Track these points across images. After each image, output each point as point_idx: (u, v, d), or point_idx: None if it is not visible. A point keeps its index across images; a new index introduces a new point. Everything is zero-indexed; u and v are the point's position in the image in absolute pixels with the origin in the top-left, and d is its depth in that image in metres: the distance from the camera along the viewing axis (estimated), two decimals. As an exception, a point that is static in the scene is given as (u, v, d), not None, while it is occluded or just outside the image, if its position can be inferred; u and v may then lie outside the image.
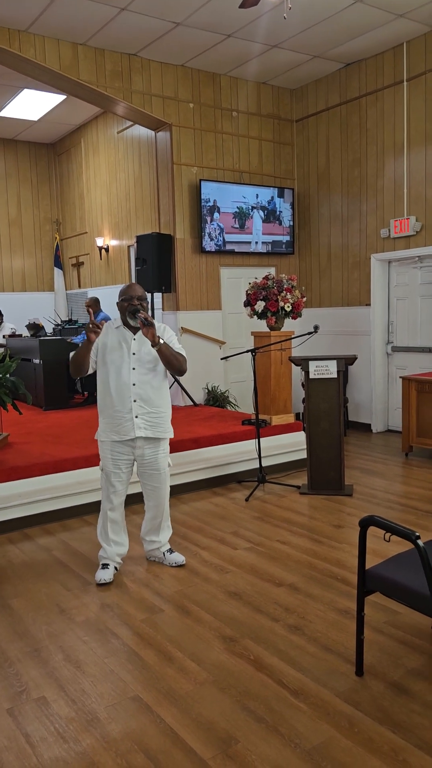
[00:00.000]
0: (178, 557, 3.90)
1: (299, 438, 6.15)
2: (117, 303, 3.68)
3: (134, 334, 3.66)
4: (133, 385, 3.62)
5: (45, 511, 4.76)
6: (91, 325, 3.49)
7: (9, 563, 4.02)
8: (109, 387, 3.64)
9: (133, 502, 4.24)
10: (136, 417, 3.64)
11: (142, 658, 2.86)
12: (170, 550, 3.94)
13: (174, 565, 3.87)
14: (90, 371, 3.70)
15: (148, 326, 3.48)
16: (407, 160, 6.99)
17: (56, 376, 7.68)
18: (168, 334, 3.74)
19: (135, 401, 3.63)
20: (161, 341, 3.55)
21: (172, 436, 3.85)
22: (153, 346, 3.54)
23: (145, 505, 3.88)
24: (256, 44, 6.85)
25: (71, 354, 3.73)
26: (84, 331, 3.59)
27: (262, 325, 6.56)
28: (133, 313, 3.57)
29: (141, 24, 6.31)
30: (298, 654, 2.84)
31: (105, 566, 3.75)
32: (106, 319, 7.02)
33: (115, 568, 3.78)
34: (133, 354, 3.64)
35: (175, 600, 3.42)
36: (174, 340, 3.75)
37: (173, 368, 3.69)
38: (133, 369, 3.63)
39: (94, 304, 8.12)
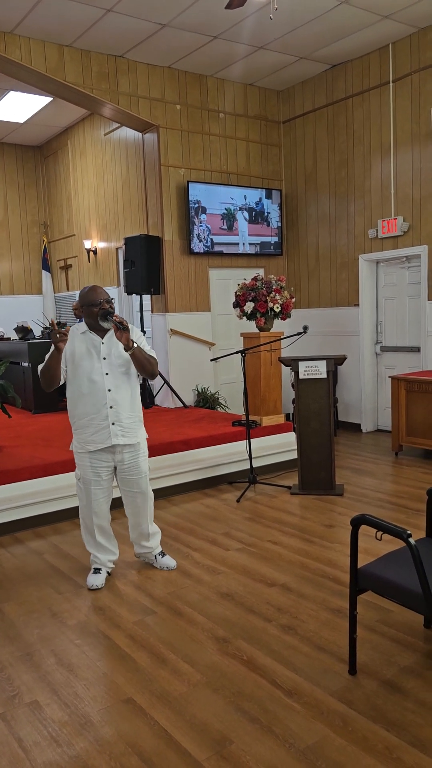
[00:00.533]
0: (169, 561, 3.88)
1: (290, 438, 6.16)
2: (81, 308, 3.53)
3: (102, 338, 3.54)
4: (109, 390, 3.52)
5: (36, 514, 4.73)
6: (58, 334, 3.36)
7: (0, 567, 4.00)
8: (83, 395, 3.52)
9: (120, 504, 4.19)
10: (113, 424, 3.53)
11: (134, 660, 2.85)
12: (162, 553, 3.92)
13: (165, 568, 3.85)
14: (61, 382, 3.56)
15: (122, 330, 3.37)
16: (394, 161, 7.03)
17: (45, 379, 7.63)
18: (137, 335, 3.62)
19: (111, 407, 3.52)
20: (134, 345, 3.46)
21: (147, 437, 3.78)
22: (126, 350, 3.44)
23: (126, 511, 3.78)
24: (242, 45, 6.86)
25: (39, 367, 3.54)
26: (51, 340, 3.41)
27: (251, 326, 6.57)
28: (105, 316, 3.45)
29: (127, 25, 6.30)
30: (291, 654, 2.84)
31: (97, 570, 3.71)
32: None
33: (108, 572, 3.75)
34: (104, 359, 3.52)
35: (168, 602, 3.41)
36: (143, 341, 3.64)
37: (146, 372, 3.58)
38: (106, 374, 3.52)
39: (81, 308, 8.10)
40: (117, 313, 3.74)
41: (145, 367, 3.54)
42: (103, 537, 3.72)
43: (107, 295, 3.56)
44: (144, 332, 7.65)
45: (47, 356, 3.49)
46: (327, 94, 7.73)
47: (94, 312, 3.50)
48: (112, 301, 3.59)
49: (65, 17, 6.07)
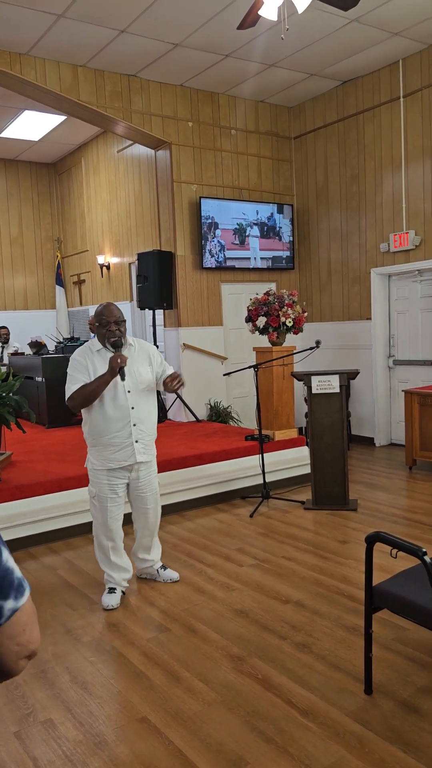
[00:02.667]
0: (172, 573, 3.89)
1: (303, 453, 6.14)
2: (94, 325, 3.55)
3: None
4: (132, 408, 3.53)
5: (49, 530, 4.75)
6: (119, 360, 3.38)
7: (14, 583, 4.00)
8: (107, 414, 3.50)
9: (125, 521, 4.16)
10: (136, 441, 3.55)
11: (149, 678, 2.84)
12: (163, 567, 3.92)
13: (169, 581, 3.85)
14: None
15: (118, 371, 3.39)
16: (405, 175, 7.05)
17: (59, 394, 7.62)
18: (156, 355, 3.70)
19: (135, 425, 3.54)
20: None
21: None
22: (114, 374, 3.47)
23: (135, 525, 3.80)
24: (253, 64, 6.93)
25: (73, 387, 3.49)
26: (112, 365, 3.39)
27: (264, 341, 6.58)
28: (112, 345, 3.48)
29: (140, 45, 6.39)
30: (306, 672, 2.82)
31: (112, 590, 3.67)
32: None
33: (122, 592, 3.72)
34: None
35: (182, 618, 3.40)
36: (161, 360, 3.72)
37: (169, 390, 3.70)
38: (129, 392, 3.53)
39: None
40: (131, 334, 3.77)
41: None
42: (117, 556, 3.71)
43: (119, 314, 3.55)
44: (157, 347, 7.71)
45: (94, 381, 3.44)
46: (338, 109, 7.78)
47: (103, 333, 3.53)
48: (124, 322, 3.58)
49: (79, 38, 6.18)
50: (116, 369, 3.39)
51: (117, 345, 3.50)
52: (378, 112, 7.29)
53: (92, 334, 8.26)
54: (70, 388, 3.50)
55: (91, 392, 3.45)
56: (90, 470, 3.67)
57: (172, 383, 3.59)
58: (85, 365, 3.52)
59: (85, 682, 2.84)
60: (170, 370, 3.70)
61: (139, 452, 3.58)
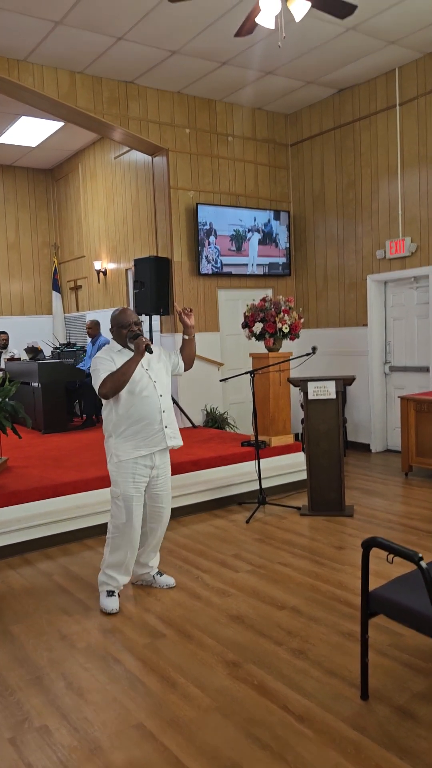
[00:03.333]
0: (168, 579, 3.90)
1: (299, 459, 6.14)
2: (112, 330, 3.73)
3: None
4: (160, 396, 3.68)
5: (45, 535, 4.73)
6: (143, 339, 3.56)
7: (9, 589, 3.99)
8: (136, 404, 3.60)
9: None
10: (166, 427, 3.68)
11: (145, 684, 2.83)
12: (159, 573, 3.93)
13: (165, 587, 3.86)
14: None
15: (143, 352, 3.55)
16: (401, 183, 7.09)
17: (55, 400, 7.68)
18: (167, 353, 3.94)
19: (164, 412, 3.69)
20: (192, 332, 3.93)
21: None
22: (188, 335, 3.90)
23: (148, 527, 3.81)
24: (250, 71, 6.97)
25: (101, 377, 3.57)
26: (138, 346, 3.57)
27: (260, 347, 6.59)
28: (133, 338, 3.63)
29: (137, 52, 6.42)
30: (302, 678, 2.81)
31: (111, 594, 3.67)
32: (106, 342, 7.06)
33: (118, 594, 3.74)
34: (147, 369, 3.70)
35: (177, 624, 3.39)
36: (172, 354, 3.98)
37: (192, 357, 4.02)
38: (155, 382, 3.69)
39: (94, 327, 8.19)
40: (109, 339, 3.93)
41: (193, 351, 4.01)
42: (133, 557, 3.74)
43: (137, 317, 3.74)
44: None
45: (122, 364, 3.56)
46: (334, 117, 7.82)
47: (124, 333, 3.67)
48: (141, 323, 3.76)
49: (77, 45, 6.20)
50: (142, 347, 3.54)
51: (135, 337, 3.63)
52: (374, 120, 7.33)
53: (89, 339, 8.26)
54: (101, 376, 3.57)
55: (123, 374, 3.55)
56: (115, 466, 3.66)
57: (186, 317, 3.86)
58: (110, 360, 3.63)
59: (80, 688, 2.82)
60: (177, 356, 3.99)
61: (170, 437, 3.70)
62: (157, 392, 3.67)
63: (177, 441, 3.77)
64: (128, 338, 3.65)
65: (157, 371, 3.75)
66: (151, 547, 3.89)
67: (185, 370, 4.01)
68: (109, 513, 3.77)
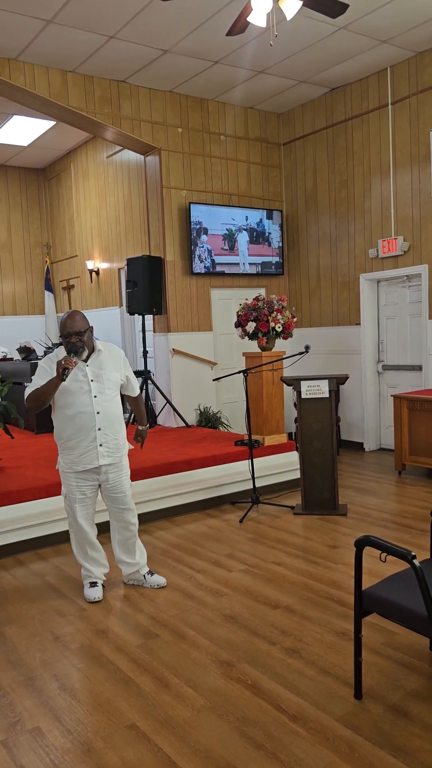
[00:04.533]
0: (159, 579, 3.89)
1: (292, 458, 6.15)
2: (59, 336, 3.65)
3: (86, 361, 3.60)
4: (97, 413, 3.58)
5: (38, 536, 4.72)
6: (64, 361, 3.39)
7: (2, 590, 3.97)
8: (71, 418, 3.57)
9: (106, 529, 4.14)
10: (100, 446, 3.61)
11: (138, 685, 2.82)
12: (150, 572, 3.92)
13: (156, 587, 3.85)
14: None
15: (60, 377, 3.40)
16: (393, 182, 7.10)
17: (48, 400, 7.64)
18: (128, 370, 3.81)
19: (99, 429, 3.60)
20: (143, 429, 4.01)
21: (131, 447, 3.90)
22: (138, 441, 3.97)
23: (113, 527, 3.86)
24: (242, 70, 6.96)
25: (31, 389, 3.54)
26: (59, 371, 3.42)
27: (253, 346, 6.59)
28: (69, 352, 3.49)
29: (129, 51, 6.40)
30: (296, 678, 2.81)
31: (93, 584, 3.78)
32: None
33: (102, 585, 3.83)
34: (92, 381, 3.59)
35: (171, 624, 3.38)
36: (127, 364, 3.82)
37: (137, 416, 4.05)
38: (95, 397, 3.59)
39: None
40: (116, 338, 3.86)
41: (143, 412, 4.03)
42: (94, 551, 3.82)
43: (83, 325, 3.54)
44: (146, 352, 7.70)
45: (45, 383, 3.49)
46: (327, 116, 7.82)
47: (65, 343, 3.56)
48: (87, 331, 3.55)
49: (68, 44, 6.18)
50: (59, 370, 3.40)
51: (72, 351, 3.51)
52: (366, 119, 7.34)
53: None
54: (28, 389, 3.60)
55: (42, 394, 3.51)
56: (61, 472, 3.76)
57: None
58: (48, 371, 3.56)
59: (73, 690, 2.81)
60: (135, 385, 3.88)
61: (102, 456, 3.64)
62: (93, 409, 3.57)
63: (110, 459, 3.65)
64: (68, 350, 3.51)
65: (104, 382, 3.60)
66: (125, 547, 3.84)
67: (148, 399, 4.04)
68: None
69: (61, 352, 3.61)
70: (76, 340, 3.51)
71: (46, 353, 8.90)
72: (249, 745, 2.37)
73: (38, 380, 3.57)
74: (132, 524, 3.83)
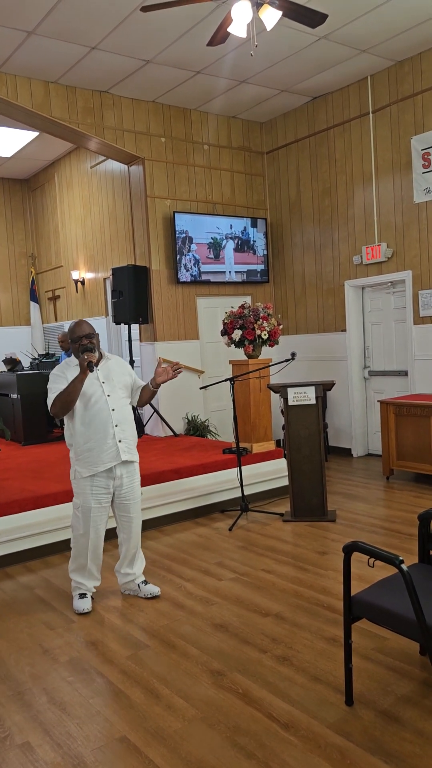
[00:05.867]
0: (153, 588, 3.87)
1: (281, 465, 6.15)
2: (66, 342, 3.78)
3: (96, 365, 3.69)
4: (113, 410, 3.67)
5: (26, 548, 4.68)
6: (86, 356, 3.53)
7: (-11, 604, 3.93)
8: (90, 419, 3.64)
9: (107, 536, 4.14)
10: (120, 441, 3.67)
11: (128, 696, 2.80)
12: (145, 582, 3.91)
13: (149, 596, 3.84)
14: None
15: (86, 370, 3.52)
16: (376, 189, 7.16)
17: (35, 411, 7.60)
18: (134, 375, 3.92)
19: (117, 426, 3.67)
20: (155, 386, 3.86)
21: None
22: (154, 387, 3.82)
23: (120, 537, 3.86)
24: (224, 80, 7.01)
25: (53, 395, 3.64)
26: (81, 363, 3.55)
27: (239, 354, 6.60)
28: (83, 352, 3.60)
29: (111, 62, 6.43)
30: (287, 686, 2.80)
31: (83, 596, 3.77)
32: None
33: (91, 597, 3.81)
34: (103, 383, 3.69)
35: (161, 634, 3.37)
36: (137, 377, 3.93)
37: (146, 401, 3.94)
38: (108, 396, 3.68)
39: (67, 339, 8.06)
40: (102, 347, 3.88)
41: (148, 399, 3.93)
42: (95, 565, 3.79)
43: (91, 330, 3.71)
44: (133, 362, 7.69)
45: (71, 382, 3.57)
46: (309, 125, 7.89)
47: (76, 348, 3.69)
48: (95, 335, 3.73)
49: (51, 55, 6.19)
50: (84, 364, 3.52)
51: (86, 351, 3.62)
52: (348, 127, 7.41)
53: (63, 352, 8.17)
54: (51, 397, 3.66)
55: (69, 393, 3.59)
56: (75, 481, 3.75)
57: (166, 374, 3.83)
58: (64, 377, 3.67)
59: (63, 703, 2.78)
60: (141, 382, 3.95)
61: (124, 451, 3.69)
62: (109, 407, 3.65)
63: (130, 455, 3.74)
64: (80, 352, 3.63)
65: (115, 384, 3.72)
66: (126, 558, 3.88)
67: (136, 406, 4.00)
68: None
69: (72, 360, 3.73)
70: (86, 342, 3.65)
71: (32, 364, 8.87)
72: (241, 755, 2.36)
73: (57, 385, 3.64)
74: (136, 534, 3.85)
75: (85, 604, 3.71)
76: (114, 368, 3.78)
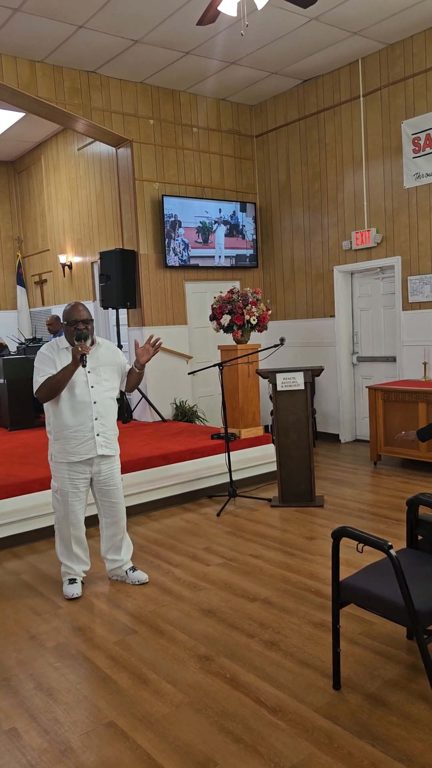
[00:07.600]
0: (141, 575, 3.86)
1: (269, 450, 6.15)
2: (60, 324, 3.70)
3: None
4: (94, 403, 3.62)
5: (12, 534, 4.65)
6: (80, 347, 3.45)
7: (-24, 590, 3.91)
8: (68, 407, 3.59)
9: (90, 523, 4.11)
10: (98, 435, 3.63)
11: (116, 682, 2.79)
12: (133, 568, 3.90)
13: (137, 583, 3.83)
14: None
15: (80, 362, 3.46)
16: (366, 174, 7.12)
17: (21, 396, 7.54)
18: (124, 361, 3.85)
19: (96, 419, 3.62)
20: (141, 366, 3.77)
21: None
22: (139, 369, 3.72)
23: (102, 523, 3.84)
24: (214, 61, 6.91)
25: (42, 378, 3.57)
26: (74, 354, 3.48)
27: (228, 339, 6.57)
28: (77, 339, 3.54)
29: (99, 41, 6.31)
30: (274, 670, 2.81)
31: (72, 581, 3.74)
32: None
33: (81, 582, 3.79)
34: (89, 372, 3.62)
35: (148, 620, 3.36)
36: (126, 362, 3.87)
37: (135, 385, 3.86)
38: (92, 387, 3.62)
39: (55, 322, 8.02)
40: (95, 333, 3.81)
41: (136, 383, 3.84)
42: (80, 548, 3.78)
43: (88, 315, 3.63)
44: (121, 347, 7.63)
45: (58, 371, 3.52)
46: (299, 108, 7.81)
47: (71, 331, 3.60)
48: (91, 321, 3.64)
49: (37, 33, 6.06)
50: (77, 356, 3.46)
51: (80, 337, 3.55)
52: (338, 111, 7.34)
53: (51, 335, 8.11)
54: (38, 380, 3.59)
55: (57, 382, 3.53)
56: (53, 463, 3.71)
57: (147, 352, 3.74)
58: (52, 359, 3.61)
59: (50, 689, 2.77)
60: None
61: (101, 445, 3.64)
62: (91, 399, 3.60)
63: (108, 450, 3.68)
64: (74, 338, 3.57)
65: (101, 374, 3.66)
66: (111, 544, 3.85)
67: (124, 391, 3.93)
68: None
69: (61, 342, 3.65)
70: (83, 327, 3.57)
71: (18, 349, 8.78)
72: (228, 739, 2.36)
73: (44, 368, 3.57)
74: (121, 519, 3.82)
75: (74, 590, 3.69)
76: (104, 356, 3.71)
